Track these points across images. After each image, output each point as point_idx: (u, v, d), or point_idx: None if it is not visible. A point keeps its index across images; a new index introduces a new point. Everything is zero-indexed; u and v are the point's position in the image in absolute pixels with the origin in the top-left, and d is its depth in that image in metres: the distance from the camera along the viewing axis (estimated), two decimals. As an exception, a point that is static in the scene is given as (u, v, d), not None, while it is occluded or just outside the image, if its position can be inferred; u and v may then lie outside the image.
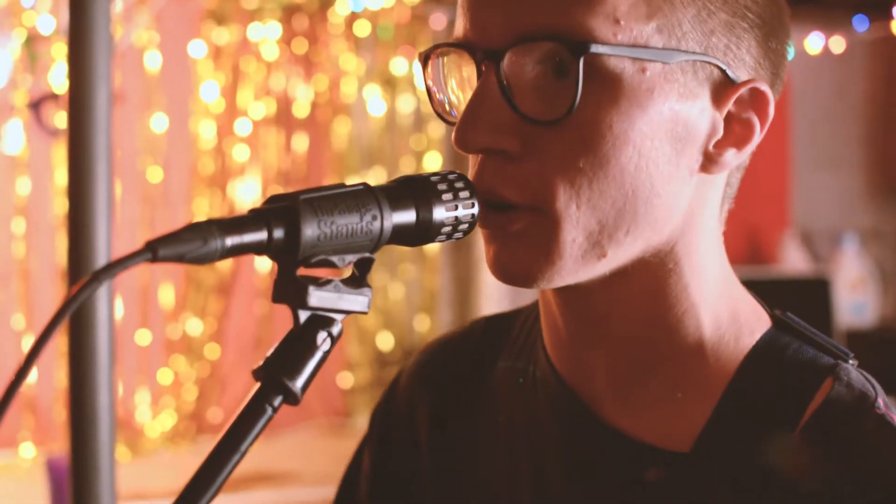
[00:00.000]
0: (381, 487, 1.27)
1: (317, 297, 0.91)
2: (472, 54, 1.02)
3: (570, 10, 0.98)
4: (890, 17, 4.77)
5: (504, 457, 1.16)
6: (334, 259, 0.92)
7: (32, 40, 4.43)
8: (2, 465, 4.56)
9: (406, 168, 5.01)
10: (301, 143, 5.00)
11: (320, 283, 0.91)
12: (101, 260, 2.18)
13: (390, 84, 5.00)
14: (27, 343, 4.61)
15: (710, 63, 1.00)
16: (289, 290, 0.91)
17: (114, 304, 2.25)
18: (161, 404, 4.86)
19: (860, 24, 4.92)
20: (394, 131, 5.01)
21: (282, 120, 4.98)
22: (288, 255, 0.89)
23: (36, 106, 4.42)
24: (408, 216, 0.96)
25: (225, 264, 4.85)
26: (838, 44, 4.90)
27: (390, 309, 5.03)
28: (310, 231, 0.89)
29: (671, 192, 1.02)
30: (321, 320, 0.92)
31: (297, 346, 0.91)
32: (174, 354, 4.89)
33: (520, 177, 1.00)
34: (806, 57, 4.96)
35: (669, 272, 1.05)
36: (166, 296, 4.86)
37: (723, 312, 1.07)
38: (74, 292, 0.80)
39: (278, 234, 0.88)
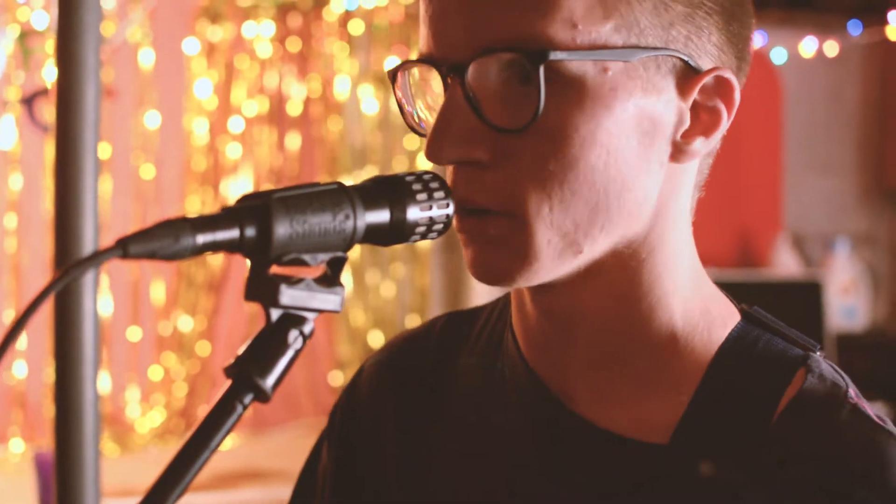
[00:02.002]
0: (342, 484, 1.27)
1: (288, 296, 0.91)
2: (438, 68, 1.03)
3: (526, 18, 0.99)
4: (884, 21, 4.78)
5: (474, 454, 1.17)
6: (307, 258, 0.92)
7: (26, 36, 4.43)
8: (-9, 461, 4.56)
9: (399, 167, 5.01)
10: (294, 141, 5.00)
11: (292, 281, 0.91)
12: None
13: (384, 83, 5.00)
14: (18, 339, 4.60)
15: (671, 56, 1.02)
16: (261, 288, 0.91)
17: (98, 300, 2.25)
18: (151, 401, 4.86)
19: (854, 28, 4.93)
20: (387, 130, 5.01)
21: (275, 118, 4.98)
22: (260, 253, 0.90)
23: (29, 101, 4.42)
24: (381, 216, 0.96)
25: (216, 261, 4.86)
26: (832, 48, 4.91)
27: (381, 308, 5.03)
28: (282, 230, 0.89)
29: (643, 186, 1.03)
30: (293, 319, 0.92)
31: (268, 345, 0.91)
32: (165, 351, 4.89)
33: (492, 184, 1.01)
34: (800, 61, 4.96)
35: (643, 262, 1.06)
36: (157, 292, 4.86)
37: (694, 305, 1.09)
38: (45, 287, 0.80)
39: (250, 232, 0.88)
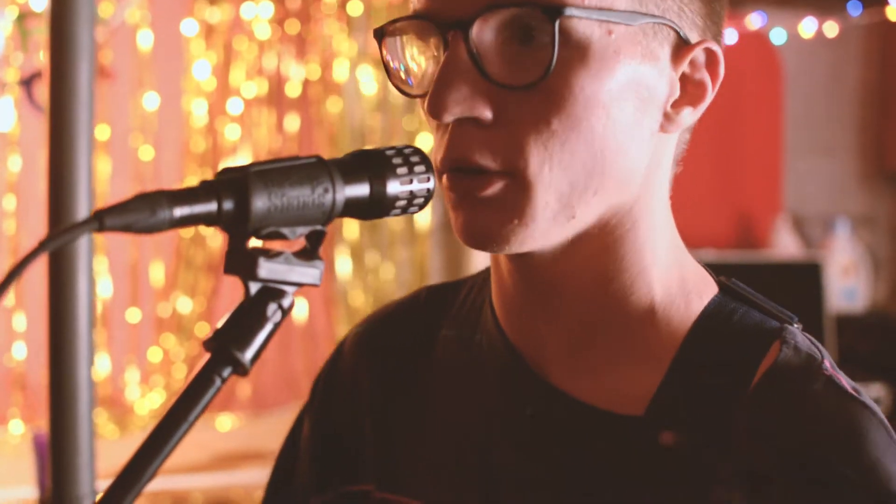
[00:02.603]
0: (322, 454, 1.27)
1: (267, 269, 0.91)
2: (438, 25, 1.02)
3: None
4: (884, 1, 4.76)
5: (451, 425, 1.17)
6: (285, 231, 0.92)
7: (24, 17, 4.41)
8: (-9, 442, 4.58)
9: (398, 148, 5.00)
10: (293, 122, 5.00)
11: (271, 255, 0.91)
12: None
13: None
14: (18, 321, 4.61)
15: (667, 25, 1.03)
16: (239, 261, 0.91)
17: (92, 281, 2.25)
18: (150, 382, 4.87)
19: (854, 8, 4.91)
20: (386, 111, 5.01)
21: (274, 99, 4.98)
22: (238, 226, 0.89)
23: (27, 83, 4.41)
24: (361, 189, 0.96)
25: (215, 242, 4.86)
26: (832, 28, 4.89)
27: (381, 288, 5.03)
28: (260, 203, 0.89)
29: (635, 153, 1.05)
30: (272, 292, 0.91)
31: (247, 318, 0.91)
32: (164, 333, 4.90)
33: (493, 142, 1.01)
34: (799, 41, 4.95)
35: (626, 233, 1.07)
36: (157, 274, 4.87)
37: (673, 276, 1.09)
38: (20, 260, 0.80)
39: (228, 205, 0.88)
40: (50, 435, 2.30)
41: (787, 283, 4.90)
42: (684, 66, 1.05)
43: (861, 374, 4.52)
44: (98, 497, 0.86)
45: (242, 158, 4.90)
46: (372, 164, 0.97)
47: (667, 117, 1.06)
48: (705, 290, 1.11)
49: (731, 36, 4.84)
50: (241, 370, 0.91)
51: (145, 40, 4.74)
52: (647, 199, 1.08)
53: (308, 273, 0.93)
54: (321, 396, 1.29)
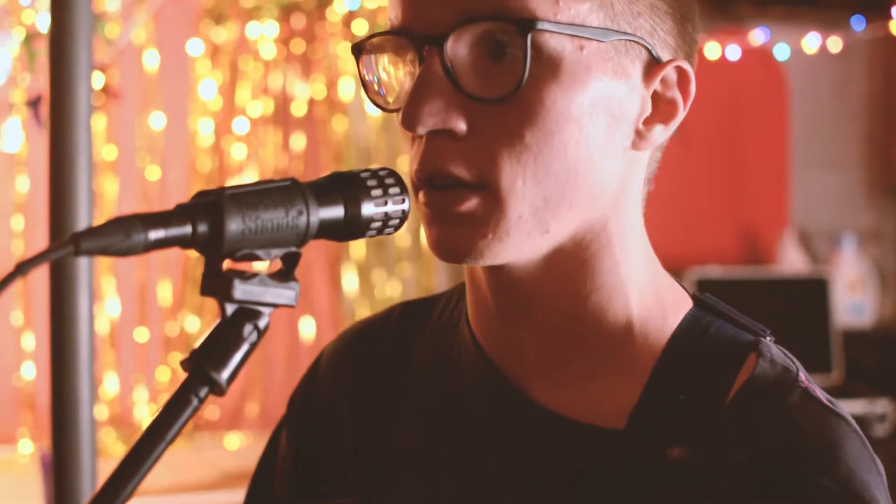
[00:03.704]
0: (300, 471, 1.29)
1: (242, 291, 0.93)
2: (413, 41, 1.04)
3: None
4: (888, 16, 4.77)
5: (431, 440, 1.18)
6: (260, 253, 0.94)
7: (31, 38, 4.44)
8: (0, 461, 4.59)
9: (404, 167, 5.02)
10: (299, 141, 5.02)
11: (246, 276, 0.93)
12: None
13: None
14: (27, 340, 4.63)
15: (638, 43, 1.05)
16: (215, 283, 0.93)
17: (92, 301, 2.27)
18: (159, 401, 4.88)
19: (858, 23, 4.92)
20: (391, 130, 5.02)
21: (280, 118, 5.00)
22: (213, 249, 0.92)
23: (34, 104, 4.44)
24: (335, 211, 0.98)
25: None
26: (836, 44, 4.91)
27: (387, 305, 5.04)
28: (234, 225, 0.91)
29: (608, 169, 1.07)
30: (248, 313, 0.93)
31: (223, 339, 0.93)
32: (172, 352, 4.91)
33: (467, 153, 1.04)
34: (804, 57, 4.96)
35: (602, 248, 1.09)
36: (164, 293, 4.89)
37: (649, 291, 1.11)
38: (-4, 283, 0.81)
39: (202, 228, 0.90)
40: (52, 454, 2.32)
41: (793, 298, 4.91)
42: (656, 84, 1.08)
43: (868, 390, 4.51)
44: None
45: (249, 177, 4.92)
46: (346, 187, 0.99)
47: (638, 134, 1.08)
48: (680, 304, 1.13)
49: (734, 52, 4.85)
50: (217, 390, 0.93)
51: (151, 60, 4.77)
52: (621, 216, 1.10)
53: (283, 294, 0.95)
54: (298, 412, 1.31)
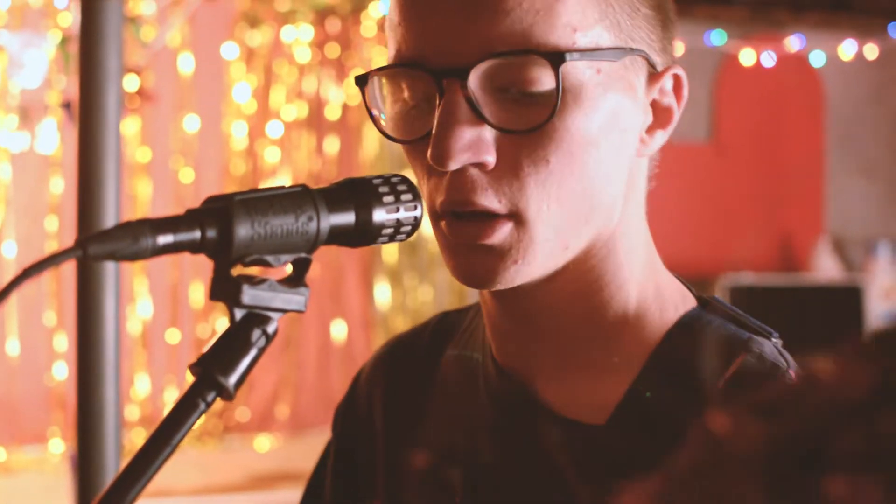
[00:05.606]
0: (341, 484, 1.30)
1: (250, 296, 0.92)
2: (432, 74, 1.04)
3: (534, 23, 1.02)
4: (925, 23, 4.74)
5: (447, 442, 1.19)
6: (270, 259, 0.93)
7: (67, 41, 4.48)
8: (32, 460, 4.62)
9: (436, 171, 5.03)
10: (332, 145, 5.03)
11: (255, 281, 0.93)
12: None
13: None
14: (59, 341, 4.66)
15: (641, 56, 1.05)
16: (224, 288, 0.92)
17: (117, 302, 2.28)
18: (190, 402, 4.90)
19: (894, 30, 4.90)
20: (424, 135, 5.04)
21: (313, 122, 5.02)
22: (222, 254, 0.91)
23: (69, 106, 4.47)
24: (346, 218, 0.97)
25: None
26: (872, 50, 4.88)
27: (419, 310, 5.05)
28: (243, 231, 0.91)
29: (618, 179, 1.08)
30: (256, 318, 0.93)
31: (231, 344, 0.93)
32: (204, 353, 4.93)
33: (496, 184, 1.03)
34: (840, 63, 4.94)
35: (609, 253, 1.10)
36: (196, 294, 4.91)
37: (648, 287, 1.12)
38: (4, 287, 0.82)
39: (211, 233, 0.90)
40: (78, 454, 2.34)
41: (827, 306, 4.88)
42: (654, 93, 1.08)
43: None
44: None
45: (282, 180, 4.93)
46: (358, 193, 0.98)
47: (642, 142, 1.09)
48: (682, 303, 1.13)
49: (770, 59, 4.83)
50: (225, 395, 0.92)
51: (186, 64, 4.80)
52: (626, 220, 1.10)
53: (293, 300, 0.95)
54: (341, 426, 1.32)
